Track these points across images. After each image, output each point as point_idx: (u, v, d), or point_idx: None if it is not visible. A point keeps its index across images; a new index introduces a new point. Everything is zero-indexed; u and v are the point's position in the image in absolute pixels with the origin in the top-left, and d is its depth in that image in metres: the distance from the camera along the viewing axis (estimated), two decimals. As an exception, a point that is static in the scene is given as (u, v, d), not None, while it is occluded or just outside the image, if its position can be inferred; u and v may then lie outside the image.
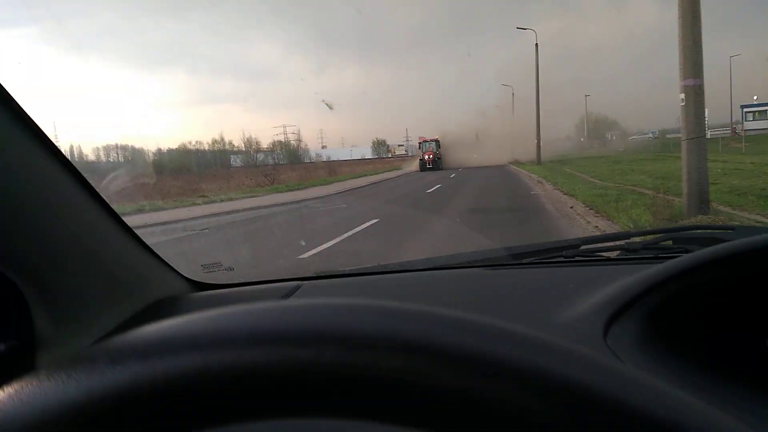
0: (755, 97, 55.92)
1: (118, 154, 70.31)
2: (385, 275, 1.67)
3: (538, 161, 34.02)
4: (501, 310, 1.21)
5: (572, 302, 1.08)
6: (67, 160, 1.02)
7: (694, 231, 1.83)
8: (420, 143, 44.99)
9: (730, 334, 0.90)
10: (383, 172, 45.34)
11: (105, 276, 1.14)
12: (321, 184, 28.31)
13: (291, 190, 23.74)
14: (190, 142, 79.59)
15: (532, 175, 23.95)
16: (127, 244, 1.23)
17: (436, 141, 44.01)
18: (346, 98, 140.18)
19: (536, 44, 33.45)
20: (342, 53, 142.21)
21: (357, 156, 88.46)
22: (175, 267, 1.41)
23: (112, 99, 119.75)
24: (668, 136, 65.28)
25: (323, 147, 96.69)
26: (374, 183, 28.22)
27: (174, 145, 78.79)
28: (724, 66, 53.49)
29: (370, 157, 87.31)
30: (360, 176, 37.82)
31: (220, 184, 30.96)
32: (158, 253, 1.34)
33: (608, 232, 3.63)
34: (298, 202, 17.91)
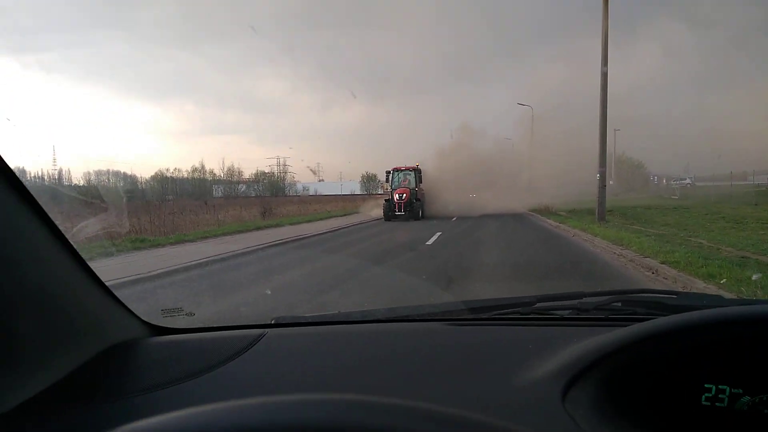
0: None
1: (108, 179, 69.17)
2: (347, 325, 1.65)
3: (601, 215, 17.57)
4: (463, 370, 1.20)
5: (531, 364, 1.11)
6: (33, 199, 1.02)
7: (640, 295, 1.78)
8: (388, 174, 26.94)
9: (675, 395, 0.99)
10: (339, 215, 29.22)
11: (60, 319, 1.11)
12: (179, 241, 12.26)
13: None
14: (167, 170, 75.36)
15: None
16: (85, 286, 1.20)
17: (415, 171, 26.78)
18: (349, 133, 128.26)
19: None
20: (348, 90, 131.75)
21: (347, 191, 79.73)
22: (134, 310, 1.38)
23: (116, 126, 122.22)
24: (699, 184, 53.09)
25: (320, 180, 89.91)
26: (240, 254, 11.64)
27: (150, 173, 74.33)
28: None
29: (359, 193, 74.17)
30: (287, 223, 22.58)
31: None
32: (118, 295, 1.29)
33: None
34: None
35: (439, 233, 15.51)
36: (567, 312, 1.54)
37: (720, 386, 0.97)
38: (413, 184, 26.04)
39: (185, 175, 78.77)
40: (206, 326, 1.60)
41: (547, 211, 24.11)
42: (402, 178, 26.69)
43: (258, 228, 19.85)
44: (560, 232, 15.94)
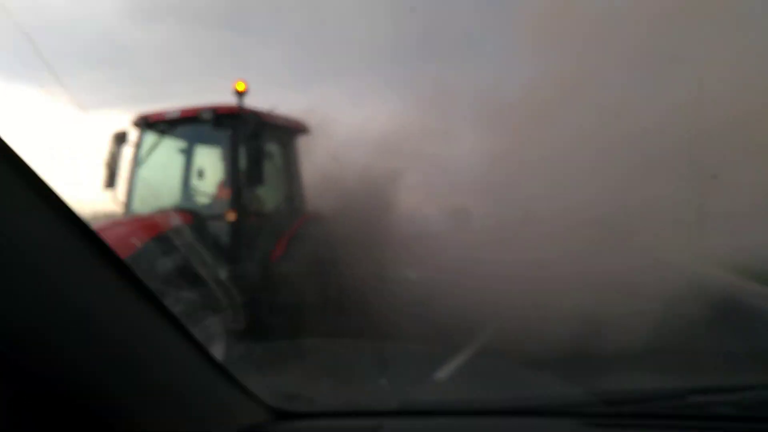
0: None
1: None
2: (471, 419, 1.51)
3: None
4: None
5: None
6: (133, 274, 0.87)
7: None
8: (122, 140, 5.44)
9: None
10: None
11: (177, 405, 1.02)
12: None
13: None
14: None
15: None
16: (202, 370, 1.10)
17: (250, 123, 5.01)
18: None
19: None
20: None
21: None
22: (254, 391, 1.30)
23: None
24: None
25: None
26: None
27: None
28: None
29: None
30: None
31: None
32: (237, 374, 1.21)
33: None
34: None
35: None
36: (728, 408, 1.33)
37: None
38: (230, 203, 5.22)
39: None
40: (326, 410, 1.59)
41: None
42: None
43: None
44: None
